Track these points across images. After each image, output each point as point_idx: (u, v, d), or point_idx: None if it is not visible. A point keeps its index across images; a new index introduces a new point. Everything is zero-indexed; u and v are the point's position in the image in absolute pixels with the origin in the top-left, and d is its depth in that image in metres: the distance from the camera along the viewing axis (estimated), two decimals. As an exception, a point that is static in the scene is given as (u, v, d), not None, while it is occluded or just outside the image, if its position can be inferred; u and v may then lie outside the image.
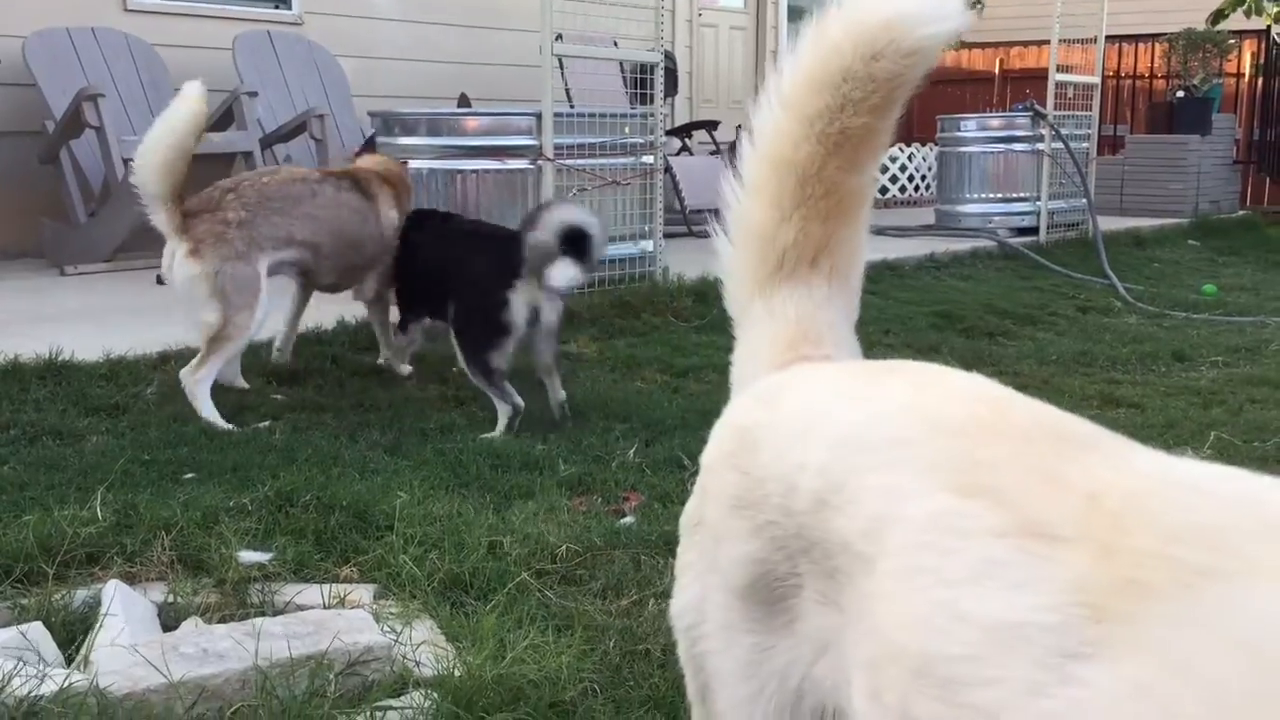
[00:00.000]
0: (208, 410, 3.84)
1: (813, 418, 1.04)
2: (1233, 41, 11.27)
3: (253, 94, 7.34)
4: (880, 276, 7.44)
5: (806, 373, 1.18)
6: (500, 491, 3.22)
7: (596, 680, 2.14)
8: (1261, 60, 11.71)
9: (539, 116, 5.69)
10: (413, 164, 5.76)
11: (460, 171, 5.73)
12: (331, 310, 5.21)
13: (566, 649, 2.18)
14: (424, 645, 2.16)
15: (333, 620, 2.10)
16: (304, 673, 1.92)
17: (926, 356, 5.49)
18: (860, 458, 0.96)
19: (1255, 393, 4.80)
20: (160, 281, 6.36)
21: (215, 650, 1.95)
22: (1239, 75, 11.94)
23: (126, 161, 6.51)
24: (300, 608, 2.36)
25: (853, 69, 1.18)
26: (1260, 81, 11.74)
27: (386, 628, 2.26)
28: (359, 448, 3.64)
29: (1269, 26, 11.66)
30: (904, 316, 6.42)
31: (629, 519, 3.08)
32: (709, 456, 1.17)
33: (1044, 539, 0.81)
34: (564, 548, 2.77)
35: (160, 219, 3.94)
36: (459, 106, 7.76)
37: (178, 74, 7.51)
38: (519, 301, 3.96)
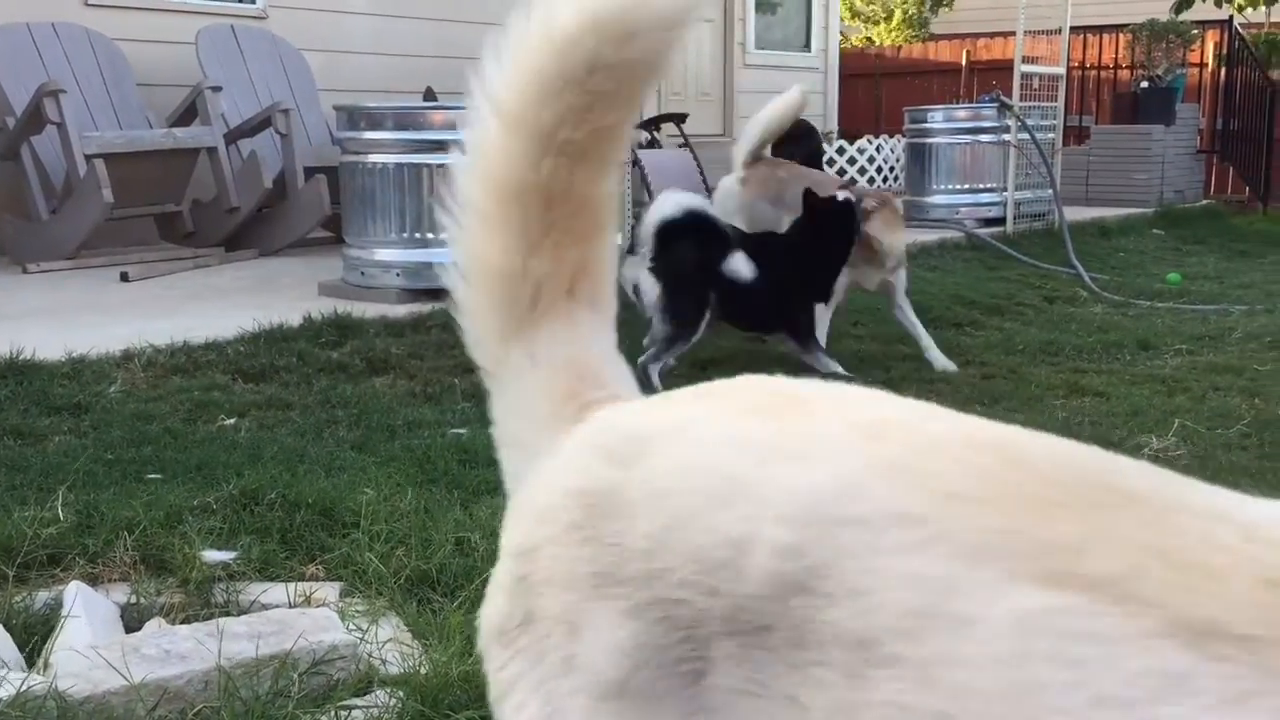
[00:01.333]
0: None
1: (728, 478, 0.85)
2: (1196, 32, 11.37)
3: (216, 89, 7.28)
4: (849, 268, 7.47)
5: (655, 417, 0.96)
6: (468, 487, 3.21)
7: (564, 676, 2.13)
8: (1224, 50, 11.81)
9: (505, 110, 5.67)
10: (379, 159, 5.74)
11: (428, 166, 5.69)
12: (298, 306, 5.18)
13: (533, 645, 2.17)
14: (390, 643, 2.15)
15: (297, 619, 2.09)
16: (268, 673, 1.91)
17: (894, 345, 5.52)
18: (852, 536, 0.79)
19: (1219, 380, 4.85)
20: (125, 279, 6.33)
21: (177, 651, 1.93)
22: (1202, 65, 12.04)
23: (89, 158, 6.49)
24: (265, 607, 2.35)
25: (601, 57, 0.99)
26: (1223, 71, 11.85)
27: (352, 626, 2.24)
28: (325, 444, 3.61)
29: (1231, 17, 11.77)
30: (872, 307, 6.43)
31: (597, 513, 3.07)
32: (526, 537, 0.94)
33: (1228, 640, 0.66)
34: (531, 543, 2.76)
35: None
36: (425, 101, 7.72)
37: (140, 69, 7.46)
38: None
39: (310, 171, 7.27)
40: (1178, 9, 12.54)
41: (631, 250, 4.68)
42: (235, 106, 7.55)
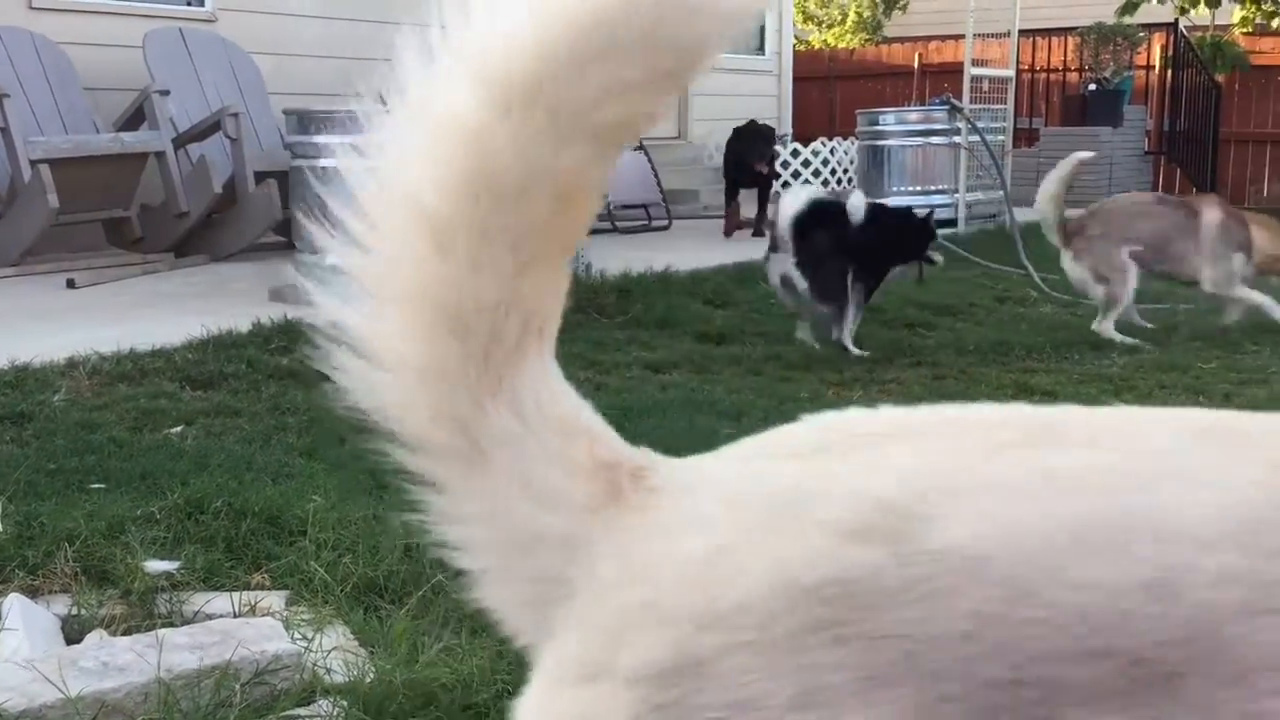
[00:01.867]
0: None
1: (1088, 524, 0.73)
2: (1142, 34, 11.54)
3: (164, 92, 7.20)
4: (803, 270, 7.51)
5: (891, 477, 0.76)
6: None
7: (511, 681, 2.13)
8: (1170, 53, 11.99)
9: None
10: (329, 163, 5.69)
11: (378, 170, 5.66)
12: (248, 312, 5.13)
13: (480, 651, 2.16)
14: (335, 651, 2.13)
15: (240, 629, 2.06)
16: (209, 684, 1.89)
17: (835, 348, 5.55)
18: None
19: (1164, 378, 4.92)
20: (72, 285, 6.24)
21: (116, 663, 1.90)
22: (1149, 68, 12.22)
23: (34, 163, 6.39)
24: (210, 617, 2.32)
25: (665, 23, 0.78)
26: (1169, 74, 12.03)
27: (298, 635, 2.22)
28: (274, 452, 3.58)
29: (1176, 20, 11.95)
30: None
31: (548, 518, 3.06)
32: (677, 651, 0.73)
33: None
34: (481, 548, 2.75)
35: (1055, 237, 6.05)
36: (377, 104, 7.67)
37: (86, 73, 7.36)
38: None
39: (261, 176, 7.20)
40: (1124, 12, 12.71)
41: (774, 249, 5.42)
42: (184, 110, 7.46)
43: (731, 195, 9.39)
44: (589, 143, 0.79)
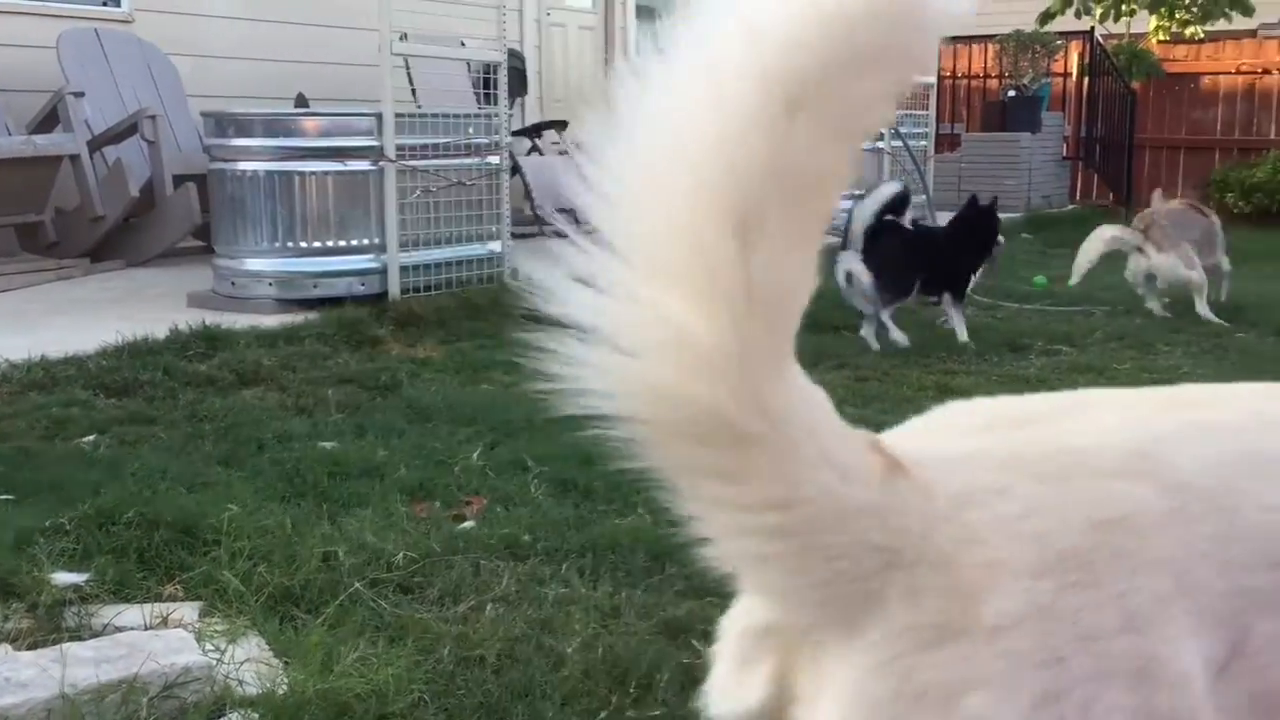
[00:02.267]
0: None
1: (1259, 460, 0.92)
2: (1060, 42, 11.77)
3: (79, 94, 7.03)
4: (729, 273, 7.54)
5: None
6: (337, 500, 3.16)
7: (427, 690, 2.11)
8: (1087, 60, 12.24)
9: (379, 117, 5.59)
10: (249, 166, 5.61)
11: (300, 173, 5.59)
12: (166, 318, 5.03)
13: (396, 660, 2.14)
14: (248, 663, 2.10)
15: (149, 642, 2.02)
16: (114, 698, 1.84)
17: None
18: None
19: (1080, 379, 5.01)
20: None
21: (18, 679, 1.85)
22: (1066, 75, 12.46)
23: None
24: (120, 630, 2.27)
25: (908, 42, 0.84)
26: (1086, 81, 12.28)
27: (210, 646, 2.18)
28: (190, 460, 3.51)
29: (1092, 28, 12.21)
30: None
31: (470, 523, 3.05)
32: None
33: None
34: (401, 555, 2.73)
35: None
36: (296, 106, 7.57)
37: (-5, 73, 7.16)
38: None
39: (180, 179, 7.06)
40: (1043, 20, 12.96)
41: (844, 245, 5.81)
42: (100, 113, 7.29)
43: None
44: (853, 142, 0.84)
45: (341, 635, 2.25)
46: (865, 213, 5.80)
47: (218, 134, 5.77)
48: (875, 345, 5.76)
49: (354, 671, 2.06)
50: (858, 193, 9.51)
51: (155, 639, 2.06)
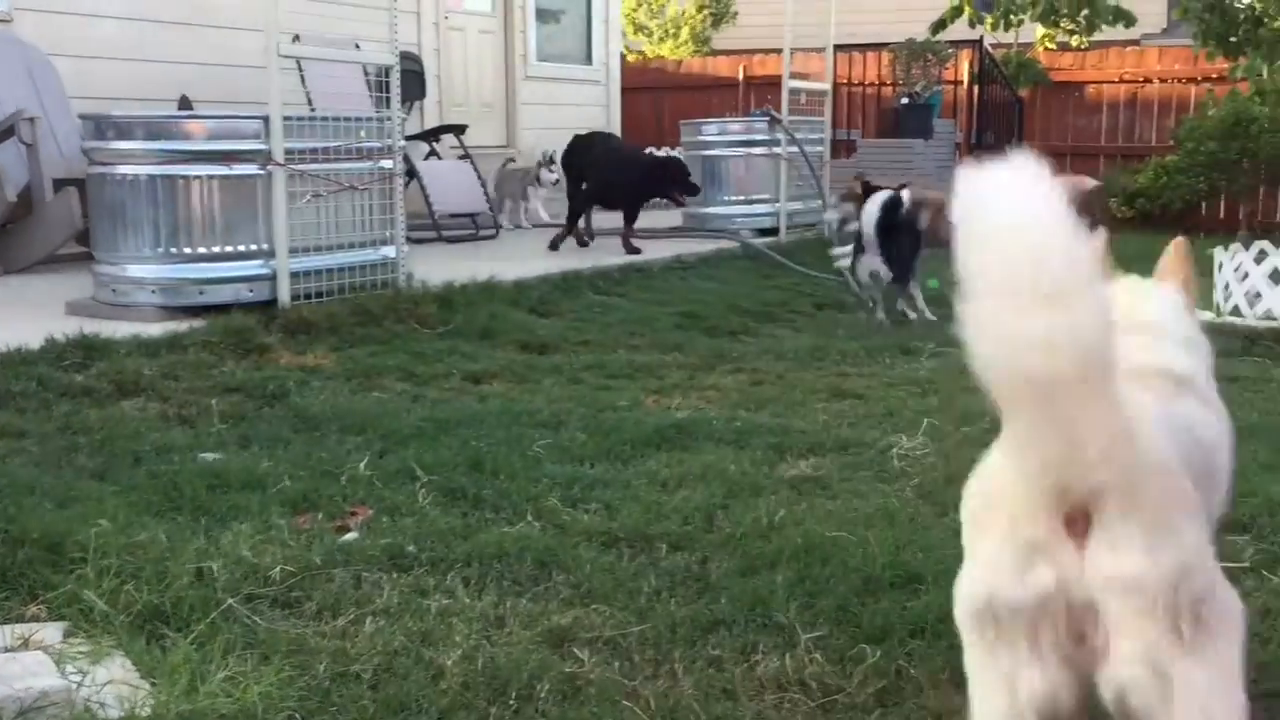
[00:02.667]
0: None
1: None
2: (950, 51, 12.03)
3: (-49, 95, 6.77)
4: (628, 279, 7.56)
5: None
6: (216, 514, 3.07)
7: (300, 708, 2.06)
8: (977, 69, 12.54)
9: (266, 120, 5.48)
10: (130, 170, 5.44)
11: (184, 177, 5.44)
12: (42, 327, 4.85)
13: (268, 677, 2.08)
14: (110, 685, 2.02)
15: (4, 665, 1.94)
16: (-39, 727, 1.76)
17: (670, 355, 5.62)
18: None
19: (967, 381, 5.10)
20: None
21: None
22: (957, 83, 12.75)
23: None
24: (-22, 654, 2.17)
25: None
26: (976, 88, 12.57)
27: (72, 669, 2.10)
28: (62, 474, 3.39)
29: (982, 37, 12.50)
30: (650, 318, 6.53)
31: (353, 534, 2.99)
32: None
33: None
34: (278, 569, 2.66)
35: None
36: (180, 109, 7.38)
37: None
38: None
39: (61, 184, 6.84)
40: (935, 30, 13.24)
41: (861, 249, 6.85)
42: (-26, 114, 7.03)
43: (581, 212, 8.94)
44: None
45: (211, 653, 2.18)
46: (871, 218, 6.77)
47: (97, 137, 5.59)
48: (888, 322, 6.82)
49: (222, 691, 2.00)
50: (764, 196, 9.66)
51: (11, 662, 1.97)
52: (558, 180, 9.46)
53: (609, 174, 8.58)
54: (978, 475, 1.58)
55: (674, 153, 12.68)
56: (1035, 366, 1.31)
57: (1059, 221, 1.32)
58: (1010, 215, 1.33)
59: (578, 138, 9.05)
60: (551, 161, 9.56)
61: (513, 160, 9.91)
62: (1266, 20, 9.25)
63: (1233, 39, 9.03)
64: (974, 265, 1.32)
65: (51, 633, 2.31)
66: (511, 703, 2.15)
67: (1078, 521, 1.40)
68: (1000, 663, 1.44)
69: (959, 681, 2.30)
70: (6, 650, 2.18)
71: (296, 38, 7.44)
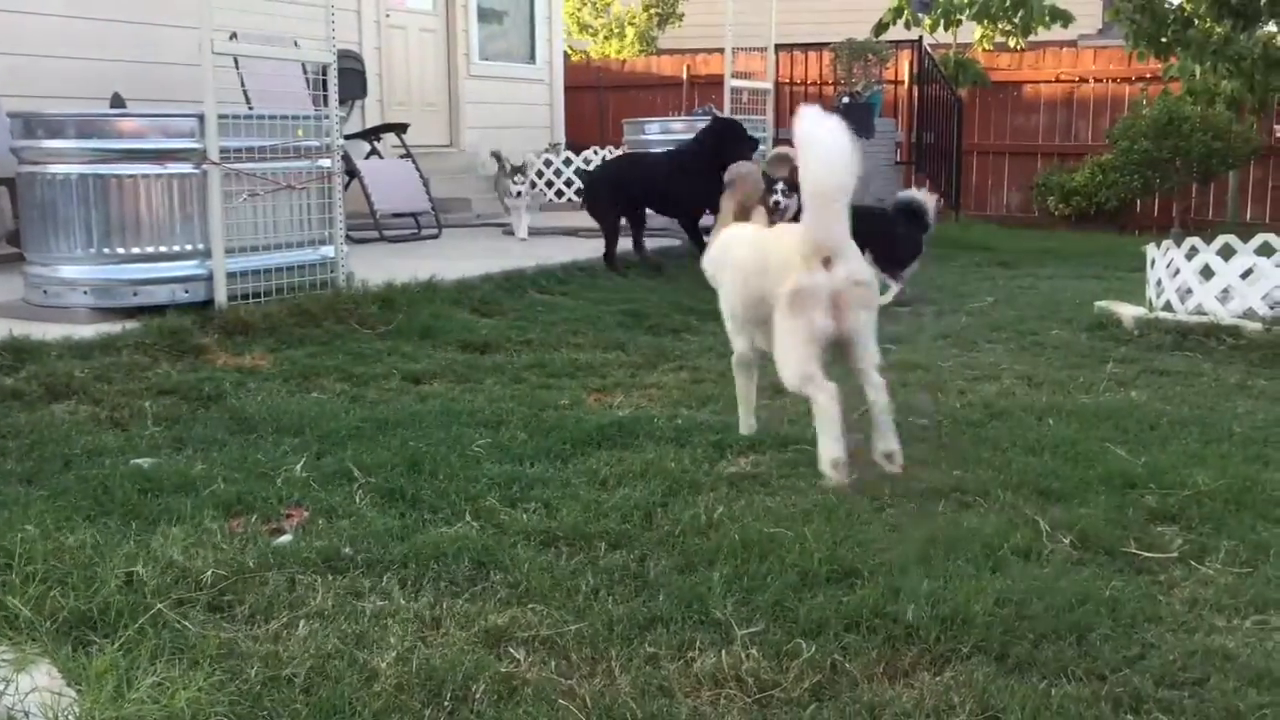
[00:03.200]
0: None
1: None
2: (890, 51, 12.13)
3: (-126, 92, 6.60)
4: (571, 278, 7.54)
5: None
6: (147, 517, 3.02)
7: (230, 712, 2.03)
8: (916, 69, 12.66)
9: (201, 118, 5.40)
10: (61, 169, 5.34)
11: (116, 176, 5.35)
12: (-32, 329, 4.75)
13: (197, 682, 2.05)
14: (34, 693, 1.98)
15: (-79, 676, 1.89)
16: (-125, 739, 1.72)
17: (613, 353, 5.61)
18: None
19: (908, 376, 5.16)
20: None
21: None
22: (897, 82, 12.86)
23: None
24: (-104, 664, 2.12)
25: None
26: (916, 88, 12.70)
27: (-5, 677, 2.06)
28: (-11, 480, 3.32)
29: (921, 38, 12.63)
30: (594, 317, 6.52)
31: (287, 537, 2.95)
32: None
33: None
34: (210, 573, 2.63)
35: None
36: (112, 107, 7.25)
37: None
38: None
39: (-10, 183, 6.70)
40: (878, 31, 13.36)
41: None
42: (-102, 112, 6.85)
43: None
44: None
45: (139, 659, 2.14)
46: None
47: (27, 135, 5.47)
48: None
49: (149, 697, 1.97)
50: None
51: (-71, 672, 1.93)
52: (521, 191, 9.29)
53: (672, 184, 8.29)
54: (774, 249, 3.67)
55: (615, 151, 12.72)
56: (839, 187, 3.34)
57: (845, 137, 3.31)
58: (829, 134, 3.31)
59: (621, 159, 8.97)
60: (518, 170, 9.34)
61: (497, 157, 9.54)
62: (1196, 21, 9.43)
63: (1163, 39, 9.20)
64: (812, 155, 3.34)
65: (-26, 641, 2.26)
66: (446, 704, 2.14)
67: (829, 260, 3.42)
68: (804, 316, 3.43)
69: (893, 675, 2.33)
70: (-73, 660, 2.13)
71: (234, 35, 7.34)
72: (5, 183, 6.47)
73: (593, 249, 8.44)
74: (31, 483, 3.30)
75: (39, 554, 2.59)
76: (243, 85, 8.25)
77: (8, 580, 2.47)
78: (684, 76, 15.22)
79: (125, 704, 1.92)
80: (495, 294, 6.77)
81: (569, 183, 12.61)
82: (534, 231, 9.29)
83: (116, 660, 2.09)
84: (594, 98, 15.21)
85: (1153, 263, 6.39)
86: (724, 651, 2.37)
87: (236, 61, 8.01)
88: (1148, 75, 12.45)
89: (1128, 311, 6.34)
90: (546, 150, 12.91)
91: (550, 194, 12.59)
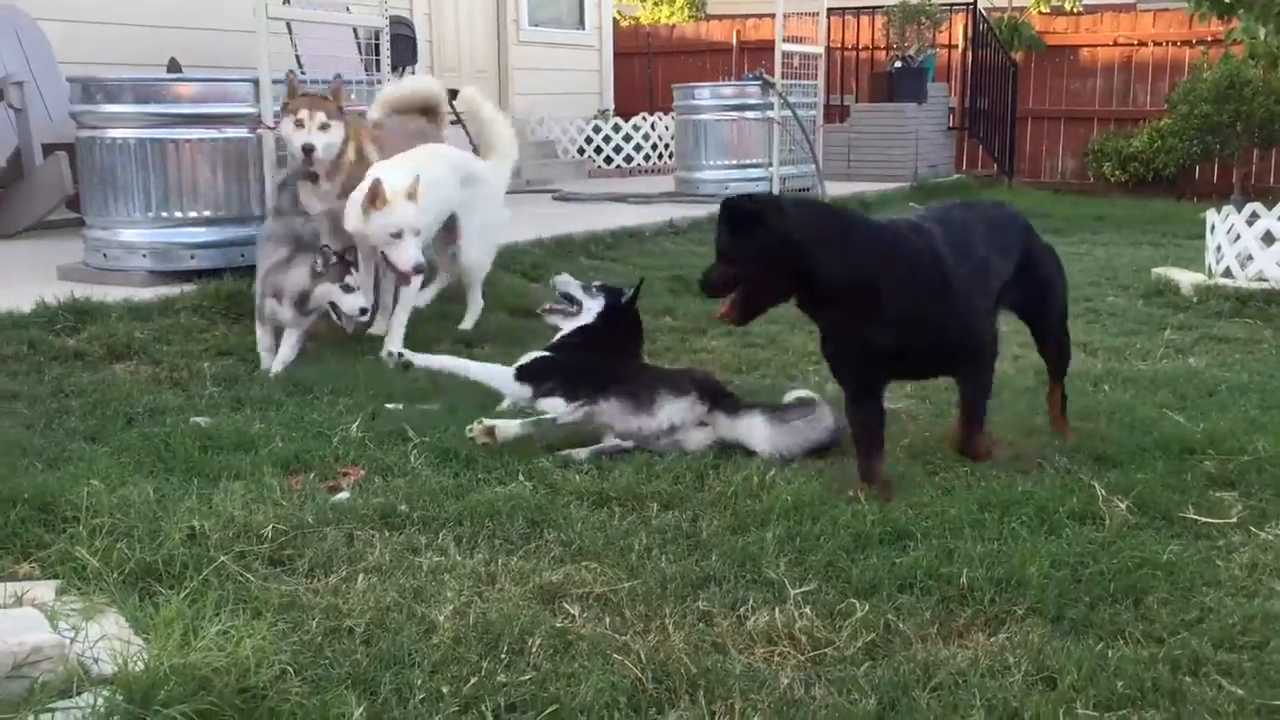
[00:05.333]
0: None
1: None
2: (943, 14, 11.95)
3: (-62, 59, 6.71)
4: (620, 243, 7.54)
5: None
6: (208, 474, 3.08)
7: (293, 661, 2.07)
8: (970, 33, 12.46)
9: (256, 83, 5.44)
10: (119, 134, 5.41)
11: (174, 141, 5.41)
12: (33, 291, 4.84)
13: (260, 632, 2.10)
14: (104, 641, 2.03)
15: (-4, 621, 1.95)
16: (-45, 680, 1.77)
17: (662, 318, 5.61)
18: None
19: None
20: None
21: None
22: (951, 47, 12.66)
23: None
24: (-29, 611, 2.18)
25: None
26: (970, 53, 12.50)
27: (65, 625, 2.11)
28: (54, 436, 3.40)
29: (975, 1, 12.42)
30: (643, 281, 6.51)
31: (344, 494, 3.00)
32: None
33: None
34: (270, 528, 2.67)
35: None
36: (169, 72, 7.32)
37: None
38: None
39: (50, 148, 6.79)
40: (929, -7, 13.15)
41: None
42: (-39, 79, 6.96)
43: None
44: None
45: (204, 609, 2.19)
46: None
47: (86, 101, 5.54)
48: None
49: (215, 645, 2.01)
50: (757, 161, 9.62)
51: (4, 618, 1.99)
52: None
53: None
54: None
55: (663, 118, 12.65)
56: None
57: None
58: None
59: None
60: None
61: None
62: (1261, -19, 9.19)
63: (1226, 0, 8.97)
64: None
65: (44, 590, 2.32)
66: (503, 656, 2.17)
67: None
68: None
69: (947, 635, 2.33)
70: (0, 608, 2.19)
71: (287, 0, 7.37)
72: (64, 148, 6.56)
73: (644, 215, 8.43)
74: (95, 440, 3.36)
75: (105, 508, 2.65)
76: (295, 51, 8.29)
77: (76, 533, 2.53)
78: (734, 42, 15.09)
79: (192, 651, 1.97)
80: (545, 259, 6.78)
81: (617, 149, 12.58)
82: (582, 198, 9.28)
83: (182, 610, 2.14)
84: (642, 64, 15.13)
85: (1213, 228, 6.27)
86: (777, 610, 2.38)
87: (289, 27, 8.05)
88: (1209, 38, 12.16)
89: (1186, 278, 6.24)
90: (595, 117, 12.88)
91: (599, 160, 12.57)
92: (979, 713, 2.03)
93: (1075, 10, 14.06)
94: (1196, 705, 2.07)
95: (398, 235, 4.32)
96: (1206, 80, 11.60)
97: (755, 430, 3.46)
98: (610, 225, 7.96)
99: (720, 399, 3.58)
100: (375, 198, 4.28)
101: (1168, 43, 12.94)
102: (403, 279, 4.48)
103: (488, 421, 3.40)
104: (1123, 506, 2.97)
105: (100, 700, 1.82)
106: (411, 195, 4.33)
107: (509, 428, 3.40)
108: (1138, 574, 2.55)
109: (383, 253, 4.43)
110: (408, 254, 4.34)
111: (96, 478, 2.86)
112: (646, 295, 6.09)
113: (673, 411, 3.47)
